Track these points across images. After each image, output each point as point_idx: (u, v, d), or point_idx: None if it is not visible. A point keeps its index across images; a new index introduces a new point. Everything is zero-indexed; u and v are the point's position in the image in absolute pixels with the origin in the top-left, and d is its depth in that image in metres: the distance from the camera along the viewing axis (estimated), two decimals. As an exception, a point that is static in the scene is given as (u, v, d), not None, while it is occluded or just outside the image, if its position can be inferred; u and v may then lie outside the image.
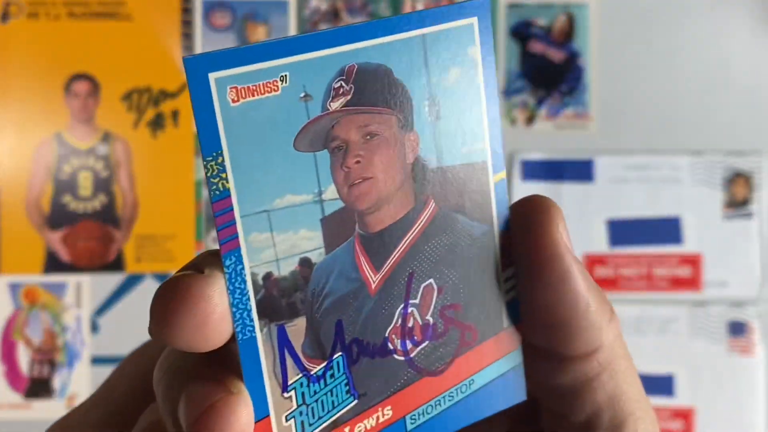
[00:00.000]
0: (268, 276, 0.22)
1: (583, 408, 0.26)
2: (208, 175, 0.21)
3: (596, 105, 1.03)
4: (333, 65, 0.22)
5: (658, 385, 1.02)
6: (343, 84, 0.23)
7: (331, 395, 0.24)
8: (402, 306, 0.25)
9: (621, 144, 1.03)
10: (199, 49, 1.03)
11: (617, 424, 0.26)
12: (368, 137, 0.23)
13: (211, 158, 0.21)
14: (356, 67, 0.23)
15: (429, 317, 0.25)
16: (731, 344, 1.02)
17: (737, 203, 1.02)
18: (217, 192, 0.22)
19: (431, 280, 0.25)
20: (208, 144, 0.21)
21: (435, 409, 0.26)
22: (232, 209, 0.22)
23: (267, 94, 0.22)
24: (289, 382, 0.23)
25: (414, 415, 0.25)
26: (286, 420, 0.23)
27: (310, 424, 0.24)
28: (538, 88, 1.04)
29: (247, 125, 0.21)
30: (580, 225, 1.03)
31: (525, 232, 0.25)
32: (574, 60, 1.04)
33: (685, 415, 1.02)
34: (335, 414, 0.24)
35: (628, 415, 0.26)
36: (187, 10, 1.03)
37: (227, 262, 0.22)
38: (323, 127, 0.23)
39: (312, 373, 0.23)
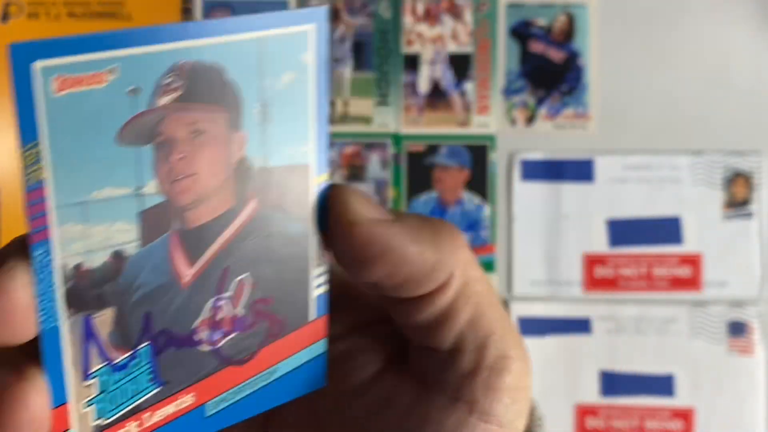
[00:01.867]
0: (78, 267, 0.23)
1: (447, 337, 0.27)
2: (25, 164, 0.21)
3: (596, 105, 1.04)
4: (165, 61, 0.22)
5: (658, 385, 1.02)
6: (174, 80, 0.23)
7: (134, 383, 0.24)
8: (214, 299, 0.25)
9: (621, 144, 1.03)
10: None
11: (480, 345, 0.27)
12: (195, 134, 0.24)
13: (27, 148, 0.21)
14: (188, 64, 0.23)
15: (240, 310, 0.26)
16: (731, 344, 1.02)
17: (737, 203, 1.02)
18: (32, 182, 0.21)
19: (246, 275, 0.25)
20: (26, 133, 0.21)
21: (236, 396, 0.26)
22: (45, 200, 0.22)
23: (94, 86, 0.21)
24: (91, 371, 0.23)
25: (215, 401, 0.26)
26: (86, 406, 0.24)
27: (110, 411, 0.24)
28: (538, 88, 1.04)
29: (70, 116, 0.21)
30: (579, 225, 1.03)
31: (333, 225, 0.26)
32: (574, 60, 1.04)
33: (685, 415, 1.02)
34: (136, 401, 0.25)
35: (490, 335, 0.27)
36: (187, 10, 1.03)
37: (36, 253, 0.22)
38: (149, 122, 0.23)
39: (115, 362, 0.24)
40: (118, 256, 0.23)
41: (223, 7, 1.04)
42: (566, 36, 1.04)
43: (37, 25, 1.03)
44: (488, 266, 1.03)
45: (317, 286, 0.27)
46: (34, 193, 0.21)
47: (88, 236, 0.23)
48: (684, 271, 1.03)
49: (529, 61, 1.04)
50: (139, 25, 1.02)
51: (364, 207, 0.25)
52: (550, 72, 1.04)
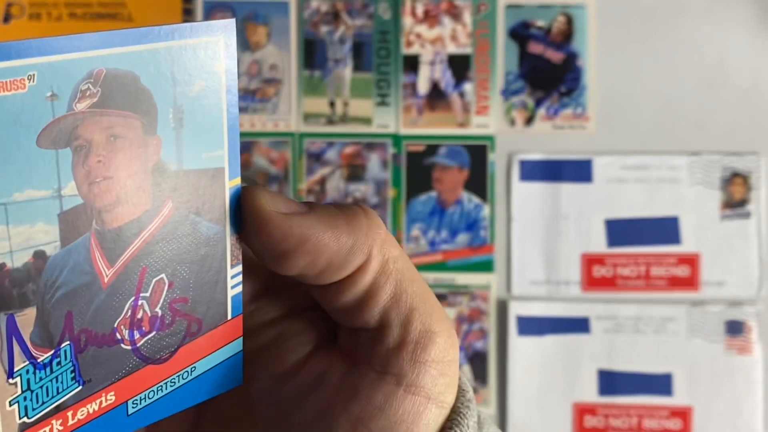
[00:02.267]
0: (1, 267, 0.23)
1: (372, 314, 0.28)
2: None
3: (595, 105, 1.04)
4: (82, 68, 0.23)
5: (656, 384, 1.02)
6: (91, 87, 0.23)
7: (57, 382, 0.25)
8: (133, 299, 0.26)
9: (619, 144, 1.04)
10: (199, 49, 1.04)
11: (404, 320, 0.27)
12: (112, 138, 0.24)
13: None
14: (104, 71, 0.23)
15: (158, 309, 0.26)
16: (729, 343, 1.02)
17: (735, 203, 1.03)
18: None
19: (163, 275, 0.26)
20: None
21: (156, 395, 0.27)
22: None
23: (13, 91, 0.22)
24: (15, 369, 0.24)
25: (136, 400, 0.27)
26: (10, 405, 0.24)
27: (34, 409, 0.24)
28: (537, 89, 1.04)
29: None
30: (578, 225, 1.03)
31: (248, 225, 0.27)
32: (573, 61, 1.04)
33: (683, 415, 1.02)
34: (59, 399, 0.25)
35: (413, 310, 0.27)
36: (188, 11, 1.04)
37: None
38: (67, 126, 0.23)
39: (39, 360, 0.24)
40: (39, 257, 0.24)
41: (223, 7, 1.04)
42: (565, 37, 1.04)
43: (39, 25, 1.03)
44: (487, 266, 1.04)
45: (233, 287, 0.28)
46: None
47: (10, 237, 0.23)
48: (682, 271, 1.03)
49: (527, 61, 1.04)
50: (140, 25, 1.02)
51: (275, 202, 0.26)
52: (549, 73, 1.04)
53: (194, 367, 0.28)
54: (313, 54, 1.05)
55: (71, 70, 0.23)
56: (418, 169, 1.04)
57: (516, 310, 1.03)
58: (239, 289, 0.28)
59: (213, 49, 0.26)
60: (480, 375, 1.03)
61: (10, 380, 0.24)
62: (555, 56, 1.04)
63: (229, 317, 0.28)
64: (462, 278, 1.04)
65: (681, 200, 1.03)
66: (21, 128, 0.22)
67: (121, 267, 0.25)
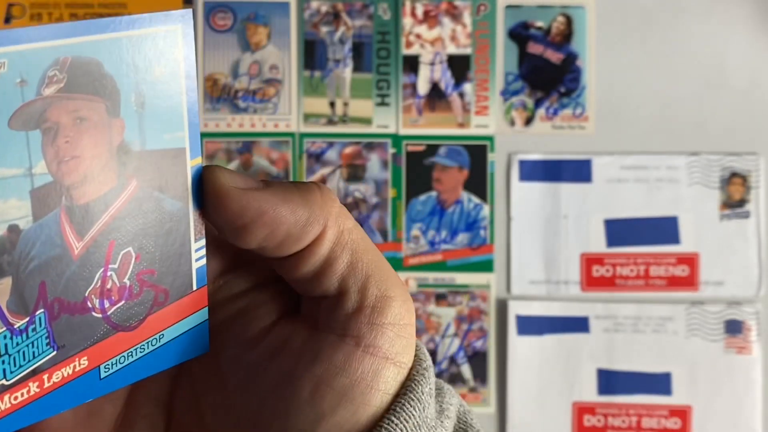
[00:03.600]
0: None
1: (331, 282, 0.29)
2: None
3: (594, 106, 1.04)
4: (49, 56, 0.25)
5: (656, 383, 1.03)
6: (57, 73, 0.25)
7: (33, 347, 0.27)
8: (102, 270, 0.28)
9: (618, 144, 1.04)
10: (200, 50, 1.04)
11: (361, 286, 0.29)
12: (78, 121, 0.26)
13: None
14: (70, 59, 0.25)
15: (126, 280, 0.28)
16: (728, 343, 1.02)
17: (734, 203, 1.03)
18: None
19: (130, 248, 0.28)
20: None
21: (127, 360, 0.29)
22: None
23: None
24: None
25: (108, 364, 0.29)
26: None
27: (12, 372, 0.26)
28: (536, 89, 1.05)
29: None
30: (577, 225, 1.04)
31: (208, 200, 0.29)
32: (572, 61, 1.04)
33: (682, 414, 1.02)
34: (35, 363, 0.27)
35: (369, 277, 0.29)
36: (188, 12, 1.04)
37: None
38: (36, 109, 0.25)
39: (15, 326, 0.26)
40: (12, 230, 0.25)
41: (223, 7, 1.05)
42: (564, 37, 1.05)
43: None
44: (487, 266, 1.04)
45: (197, 260, 0.29)
46: None
47: None
48: (681, 271, 1.03)
49: (527, 62, 1.05)
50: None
51: (233, 179, 0.28)
52: (549, 73, 1.05)
53: (162, 334, 0.29)
54: (313, 54, 1.05)
55: (39, 58, 0.24)
56: (418, 169, 1.04)
57: (515, 309, 1.03)
58: (203, 262, 0.30)
59: (172, 37, 0.27)
60: (480, 374, 1.03)
61: None
62: (554, 57, 1.05)
63: (195, 288, 0.30)
64: (462, 278, 1.04)
65: (680, 200, 1.03)
66: None
67: (90, 240, 0.27)
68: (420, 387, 0.30)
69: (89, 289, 0.27)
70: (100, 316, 0.28)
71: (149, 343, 0.29)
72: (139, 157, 0.27)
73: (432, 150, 1.04)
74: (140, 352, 0.29)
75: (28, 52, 0.24)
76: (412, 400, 0.29)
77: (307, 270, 0.29)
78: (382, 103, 1.05)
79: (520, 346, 1.03)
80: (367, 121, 1.05)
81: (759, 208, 1.03)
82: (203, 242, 0.29)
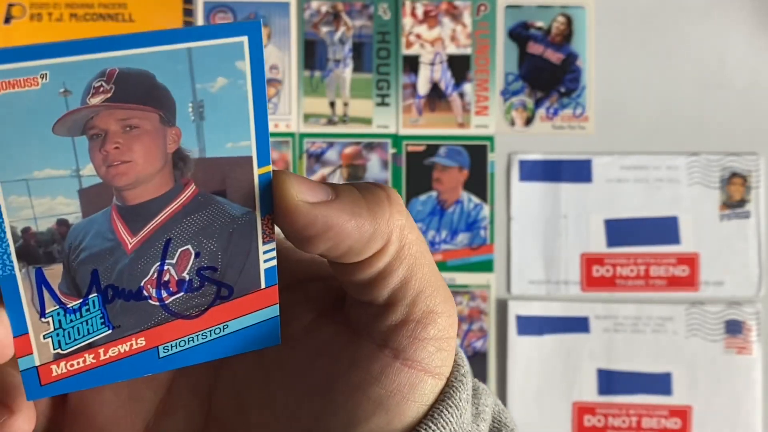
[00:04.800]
0: (26, 230, 0.27)
1: (382, 293, 0.29)
2: None
3: (594, 106, 1.04)
4: (94, 68, 0.26)
5: (656, 383, 1.03)
6: (104, 84, 0.26)
7: (87, 324, 0.29)
8: (158, 264, 0.29)
9: (618, 144, 1.04)
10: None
11: (410, 301, 0.29)
12: (128, 128, 0.27)
13: None
14: (117, 70, 0.26)
15: (185, 275, 0.29)
16: (728, 343, 1.02)
17: (734, 203, 1.03)
18: None
19: (189, 246, 0.29)
20: None
21: (188, 344, 0.30)
22: None
23: (27, 88, 0.25)
24: (47, 311, 0.28)
25: (167, 346, 0.30)
26: (44, 338, 0.28)
27: (66, 343, 0.29)
28: (537, 90, 1.05)
29: (7, 111, 0.25)
30: (577, 225, 1.04)
31: (276, 209, 0.29)
32: (572, 61, 1.04)
33: (682, 414, 1.02)
34: (90, 338, 0.29)
35: (420, 292, 0.29)
36: (188, 12, 1.04)
37: None
38: (82, 117, 0.26)
39: (68, 306, 0.28)
40: (62, 224, 0.27)
41: (224, 8, 1.05)
42: (564, 37, 1.05)
43: (40, 26, 1.03)
44: (487, 266, 1.04)
45: (266, 261, 0.30)
46: None
47: (33, 206, 0.27)
48: (681, 271, 1.03)
49: (527, 62, 1.05)
50: (141, 26, 1.03)
51: (303, 191, 0.28)
52: (549, 73, 1.05)
53: (227, 324, 0.30)
54: (313, 54, 1.05)
55: (82, 70, 0.25)
56: (418, 169, 1.04)
57: (515, 309, 1.03)
58: (273, 263, 0.30)
59: (236, 48, 0.27)
60: (480, 374, 1.03)
61: (43, 319, 0.28)
62: (554, 57, 1.05)
63: (263, 286, 0.30)
64: (462, 278, 1.04)
65: (680, 200, 1.03)
66: (36, 118, 0.25)
67: (145, 236, 0.28)
68: (458, 394, 0.30)
69: (145, 279, 0.29)
70: (157, 303, 0.29)
71: (212, 331, 0.30)
72: (198, 164, 0.28)
73: (432, 150, 1.04)
74: (202, 338, 0.30)
75: (70, 64, 0.25)
76: (450, 407, 0.29)
77: (363, 278, 0.29)
78: (382, 103, 1.05)
79: (520, 346, 1.03)
80: (367, 121, 1.05)
81: (759, 208, 1.03)
82: (272, 245, 0.30)
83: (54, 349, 0.28)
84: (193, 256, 0.29)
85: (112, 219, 0.28)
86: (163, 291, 0.29)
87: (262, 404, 0.31)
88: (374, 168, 1.04)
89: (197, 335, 0.30)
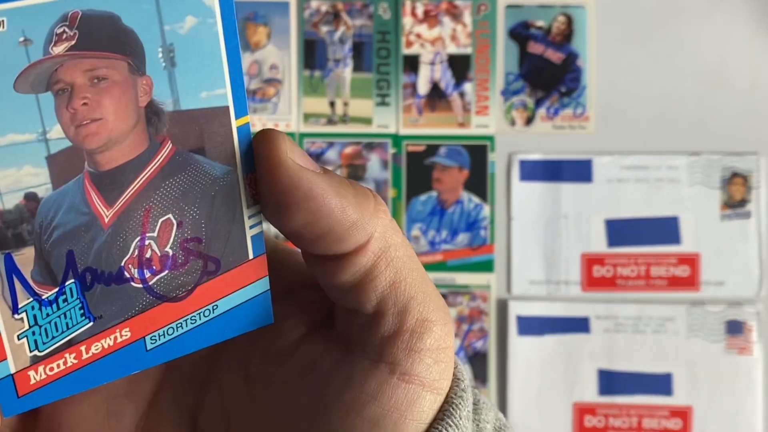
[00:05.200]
0: None
1: (369, 299, 0.27)
2: None
3: (594, 106, 1.04)
4: (54, 12, 0.22)
5: (656, 384, 1.02)
6: (66, 29, 0.23)
7: (65, 318, 0.25)
8: (138, 238, 0.25)
9: (619, 144, 1.04)
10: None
11: (401, 308, 0.27)
12: (96, 80, 0.24)
13: None
14: (80, 13, 0.23)
15: (168, 249, 0.26)
16: (729, 343, 1.02)
17: (735, 203, 1.03)
18: None
19: (170, 215, 0.26)
20: None
21: (176, 331, 0.27)
22: None
23: None
24: (20, 306, 0.24)
25: (154, 336, 0.26)
26: (18, 339, 0.24)
27: (44, 343, 0.25)
28: (537, 89, 1.04)
29: None
30: (578, 225, 1.03)
31: (259, 167, 0.26)
32: (573, 61, 1.04)
33: (683, 415, 1.02)
34: (70, 334, 0.25)
35: (411, 299, 0.27)
36: (188, 12, 1.04)
37: None
38: (45, 70, 0.23)
39: (43, 297, 0.25)
40: (30, 198, 0.24)
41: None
42: (565, 37, 1.04)
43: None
44: (487, 266, 1.04)
45: (252, 227, 0.27)
46: None
47: None
48: (682, 271, 1.03)
49: (527, 62, 1.04)
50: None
51: (293, 151, 0.26)
52: (549, 73, 1.04)
53: (216, 305, 0.27)
54: (313, 54, 1.05)
55: (43, 14, 0.22)
56: (418, 169, 1.04)
57: (516, 310, 1.03)
58: (259, 228, 0.27)
59: None
60: (480, 375, 1.03)
61: (16, 316, 0.24)
62: (555, 56, 1.04)
63: (251, 257, 0.27)
64: (462, 278, 1.04)
65: (681, 200, 1.03)
66: None
67: (122, 207, 0.25)
68: (458, 411, 0.28)
69: (125, 258, 0.25)
70: (140, 286, 0.26)
71: (201, 314, 0.27)
72: (173, 118, 0.25)
73: (432, 150, 1.04)
74: (191, 323, 0.27)
75: (29, 9, 0.22)
76: (450, 426, 0.27)
77: (346, 279, 0.27)
78: (382, 103, 1.04)
79: (520, 346, 1.02)
80: (367, 121, 1.04)
81: (760, 208, 1.03)
82: (257, 209, 0.27)
83: (30, 351, 0.25)
84: (175, 227, 0.26)
85: (86, 188, 0.24)
86: (145, 270, 0.26)
87: (250, 424, 0.29)
88: (374, 168, 1.04)
89: (185, 320, 0.27)
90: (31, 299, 0.24)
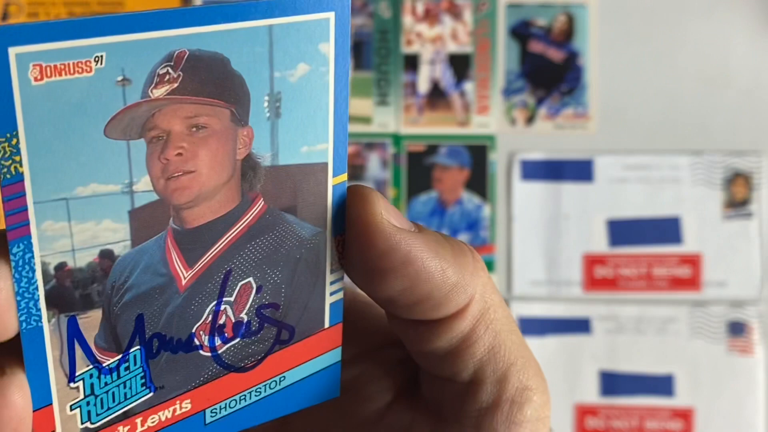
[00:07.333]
0: (61, 266, 0.21)
1: (466, 366, 0.25)
2: (0, 156, 0.20)
3: (596, 105, 1.04)
4: (160, 49, 0.20)
5: (658, 385, 1.02)
6: (170, 71, 0.21)
7: (125, 387, 0.23)
8: (215, 303, 0.24)
9: (621, 144, 1.03)
10: (198, 49, 1.03)
11: (500, 377, 0.25)
12: (194, 129, 0.22)
13: (3, 139, 0.20)
14: (187, 53, 0.21)
15: (243, 315, 0.24)
16: (731, 344, 1.02)
17: (737, 203, 1.02)
18: (9, 176, 0.20)
19: (250, 279, 0.24)
20: (1, 123, 0.20)
21: (239, 404, 0.25)
22: (23, 194, 0.20)
23: (78, 75, 0.20)
24: (77, 373, 0.23)
25: (215, 408, 0.25)
26: (71, 409, 0.23)
27: (98, 414, 0.23)
28: (538, 88, 1.04)
29: (51, 106, 0.20)
30: (579, 225, 1.03)
31: (351, 229, 0.24)
32: (574, 60, 1.04)
33: (684, 415, 1.02)
34: (127, 405, 0.23)
35: (510, 365, 0.25)
36: (186, 10, 1.03)
37: (14, 250, 0.21)
38: (141, 114, 0.21)
39: (104, 365, 0.23)
40: (105, 256, 0.22)
41: (222, 7, 1.04)
42: (566, 36, 1.04)
43: (37, 25, 1.03)
44: (488, 266, 1.03)
45: (332, 293, 0.25)
46: (10, 187, 0.20)
47: (72, 234, 0.21)
48: (684, 271, 1.03)
49: (528, 61, 1.04)
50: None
51: (389, 212, 0.24)
52: (550, 72, 1.04)
53: (284, 376, 0.25)
54: (312, 53, 1.04)
55: (146, 52, 0.20)
56: (418, 168, 1.04)
57: (517, 310, 1.02)
58: (340, 295, 0.25)
59: (321, 27, 0.22)
60: (480, 376, 1.03)
61: (71, 384, 0.22)
62: (556, 55, 1.04)
63: (327, 326, 0.25)
64: (462, 278, 1.03)
65: (683, 200, 1.03)
66: (86, 116, 0.20)
67: (202, 269, 0.23)
68: None
69: (197, 324, 0.23)
70: (208, 354, 0.24)
71: (267, 386, 0.25)
72: (268, 173, 0.23)
73: (432, 149, 1.04)
74: (255, 395, 0.25)
75: (132, 44, 0.20)
76: None
77: (441, 346, 0.25)
78: (382, 102, 1.04)
79: (521, 347, 1.02)
80: (366, 121, 1.04)
81: (762, 208, 1.02)
82: (340, 273, 0.25)
83: (82, 423, 0.23)
84: (254, 292, 0.24)
85: (167, 247, 0.22)
86: (216, 338, 0.24)
87: None
88: (374, 168, 1.04)
89: (249, 392, 0.25)
90: (91, 366, 0.23)
